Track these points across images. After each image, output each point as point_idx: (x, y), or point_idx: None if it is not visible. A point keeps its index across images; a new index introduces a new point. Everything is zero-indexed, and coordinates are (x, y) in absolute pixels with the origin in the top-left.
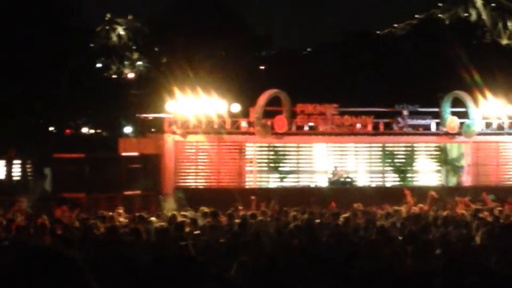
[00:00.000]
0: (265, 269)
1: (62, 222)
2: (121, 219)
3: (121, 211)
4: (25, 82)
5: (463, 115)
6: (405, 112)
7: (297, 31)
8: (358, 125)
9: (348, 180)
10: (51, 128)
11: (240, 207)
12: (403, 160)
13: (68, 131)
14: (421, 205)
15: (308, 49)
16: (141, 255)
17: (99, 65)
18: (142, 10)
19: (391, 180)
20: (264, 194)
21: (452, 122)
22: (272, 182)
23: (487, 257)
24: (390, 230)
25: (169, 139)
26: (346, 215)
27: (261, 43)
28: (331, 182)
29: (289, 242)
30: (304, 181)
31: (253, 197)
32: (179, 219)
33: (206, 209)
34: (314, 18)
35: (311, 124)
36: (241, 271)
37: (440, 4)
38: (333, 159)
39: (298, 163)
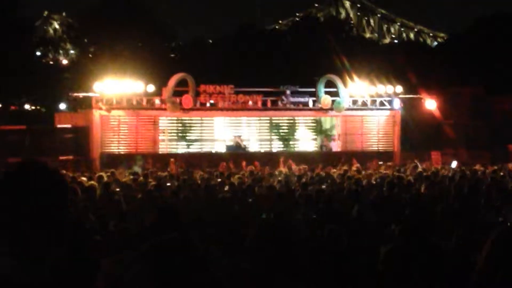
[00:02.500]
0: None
1: None
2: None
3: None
4: None
5: (335, 94)
6: (288, 92)
7: (200, 23)
8: (250, 102)
9: (242, 146)
10: None
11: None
12: (286, 131)
13: (12, 107)
14: (302, 166)
15: (210, 41)
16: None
17: (38, 53)
18: (73, 7)
19: (277, 146)
20: (174, 157)
21: (326, 99)
22: (180, 148)
23: (350, 207)
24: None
25: (96, 114)
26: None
27: (171, 34)
28: (229, 147)
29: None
30: (206, 147)
31: (172, 159)
32: (106, 179)
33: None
34: (215, 13)
35: (212, 101)
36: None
37: (316, 5)
38: (230, 129)
39: (201, 133)
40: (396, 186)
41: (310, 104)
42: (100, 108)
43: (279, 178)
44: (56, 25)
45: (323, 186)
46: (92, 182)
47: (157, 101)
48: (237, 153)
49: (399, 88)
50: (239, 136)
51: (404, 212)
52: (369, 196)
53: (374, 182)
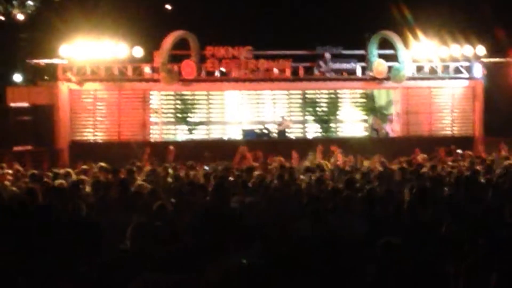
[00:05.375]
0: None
1: None
2: (9, 177)
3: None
4: None
5: (392, 58)
6: (328, 55)
7: None
8: (275, 70)
9: (264, 131)
10: None
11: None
12: (326, 109)
13: None
14: (348, 157)
15: None
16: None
17: None
18: None
19: (313, 130)
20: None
21: (380, 65)
22: (180, 134)
23: (415, 211)
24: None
25: (64, 88)
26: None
27: None
28: (247, 132)
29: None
30: (216, 133)
31: (171, 147)
32: (75, 177)
33: (104, 165)
34: None
35: (222, 69)
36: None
37: None
38: (247, 108)
39: (208, 113)
40: (474, 184)
41: (358, 72)
42: (69, 80)
43: (316, 174)
44: None
45: (376, 184)
46: (60, 181)
47: (147, 69)
48: (258, 140)
49: (482, 49)
50: (284, 117)
51: (486, 220)
52: (439, 198)
53: (447, 179)
